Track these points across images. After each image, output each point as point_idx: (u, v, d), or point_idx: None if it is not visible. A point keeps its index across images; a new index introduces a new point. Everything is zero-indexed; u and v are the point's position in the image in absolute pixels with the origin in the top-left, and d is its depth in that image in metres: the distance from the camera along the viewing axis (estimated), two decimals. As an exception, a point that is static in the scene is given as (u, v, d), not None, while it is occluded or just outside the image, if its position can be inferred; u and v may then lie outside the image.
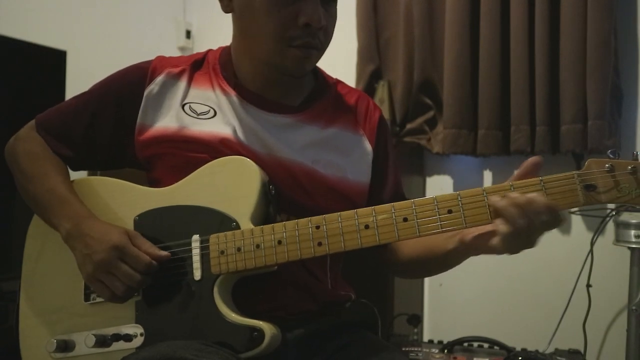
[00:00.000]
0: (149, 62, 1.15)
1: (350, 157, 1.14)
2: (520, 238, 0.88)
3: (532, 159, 0.92)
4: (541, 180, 0.88)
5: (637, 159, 0.86)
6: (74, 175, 1.17)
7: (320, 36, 1.04)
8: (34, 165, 1.12)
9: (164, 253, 0.99)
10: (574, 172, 0.87)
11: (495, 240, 0.90)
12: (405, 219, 0.92)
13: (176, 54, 2.52)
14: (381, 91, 2.29)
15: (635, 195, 0.85)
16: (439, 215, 0.90)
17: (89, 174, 1.40)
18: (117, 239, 0.98)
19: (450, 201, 0.90)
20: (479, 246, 0.95)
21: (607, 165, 0.86)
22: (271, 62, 1.07)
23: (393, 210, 0.92)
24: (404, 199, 1.06)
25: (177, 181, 1.06)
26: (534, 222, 0.86)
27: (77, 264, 1.02)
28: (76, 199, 1.08)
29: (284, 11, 1.01)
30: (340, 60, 1.83)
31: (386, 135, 1.21)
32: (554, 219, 0.86)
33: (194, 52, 1.22)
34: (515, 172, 0.92)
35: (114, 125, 1.12)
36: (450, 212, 0.90)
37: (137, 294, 1.02)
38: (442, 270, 1.11)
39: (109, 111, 1.12)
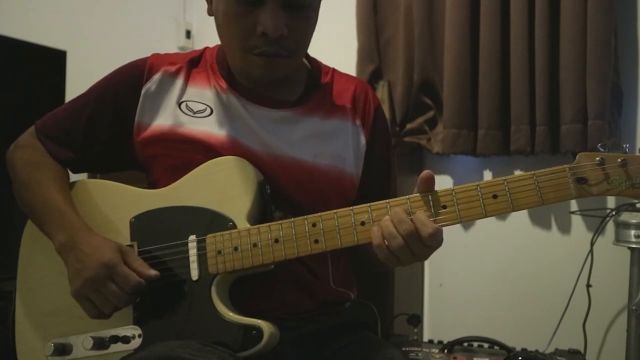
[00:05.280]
0: (145, 60, 1.14)
1: (349, 148, 1.13)
2: (394, 255, 0.90)
3: (424, 173, 0.91)
4: (534, 174, 0.88)
5: (627, 152, 0.87)
6: (71, 177, 1.16)
7: (284, 43, 1.01)
8: (30, 173, 1.12)
9: (153, 272, 0.99)
10: (565, 165, 0.88)
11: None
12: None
13: (176, 54, 2.52)
14: (381, 91, 2.29)
15: (625, 187, 0.85)
16: (434, 210, 0.91)
17: (89, 177, 1.39)
18: (108, 257, 0.97)
19: (444, 197, 0.91)
20: (376, 257, 0.94)
21: (597, 158, 0.87)
22: (238, 68, 1.08)
23: (388, 207, 0.92)
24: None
25: (173, 182, 1.06)
26: (399, 243, 0.88)
27: (68, 277, 1.01)
28: (71, 210, 1.07)
29: (243, 20, 1.00)
30: (340, 60, 1.82)
31: (383, 129, 1.19)
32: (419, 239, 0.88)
33: (194, 52, 1.21)
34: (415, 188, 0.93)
35: (112, 125, 1.12)
36: (445, 207, 0.91)
37: (136, 295, 1.02)
38: (383, 269, 1.10)
39: (107, 111, 1.12)
